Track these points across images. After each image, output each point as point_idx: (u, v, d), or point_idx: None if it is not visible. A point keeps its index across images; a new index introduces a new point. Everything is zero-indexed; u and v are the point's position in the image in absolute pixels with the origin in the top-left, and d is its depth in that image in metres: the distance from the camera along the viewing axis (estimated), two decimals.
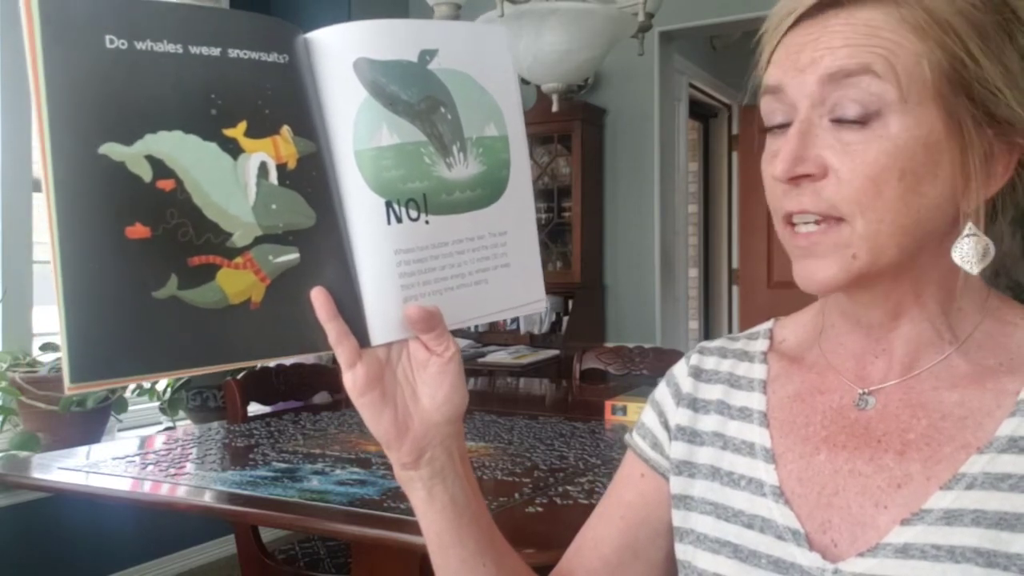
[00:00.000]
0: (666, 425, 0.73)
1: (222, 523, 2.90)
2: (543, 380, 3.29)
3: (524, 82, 2.48)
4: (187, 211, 0.52)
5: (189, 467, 1.65)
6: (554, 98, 2.37)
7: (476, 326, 3.53)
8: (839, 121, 0.55)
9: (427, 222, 0.60)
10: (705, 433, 0.70)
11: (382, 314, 0.59)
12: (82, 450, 1.85)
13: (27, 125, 2.82)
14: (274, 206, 0.55)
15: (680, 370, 0.75)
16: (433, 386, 0.61)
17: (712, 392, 0.71)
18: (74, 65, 0.49)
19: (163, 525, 3.00)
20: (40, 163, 0.49)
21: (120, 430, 2.94)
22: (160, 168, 0.51)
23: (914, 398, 0.61)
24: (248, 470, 1.59)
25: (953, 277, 0.59)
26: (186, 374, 0.58)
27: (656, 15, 2.28)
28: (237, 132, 0.54)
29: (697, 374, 0.73)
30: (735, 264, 5.35)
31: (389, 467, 1.69)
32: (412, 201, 0.59)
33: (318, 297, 0.57)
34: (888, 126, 0.54)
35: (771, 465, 0.64)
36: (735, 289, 5.35)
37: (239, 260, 0.54)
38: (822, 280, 0.58)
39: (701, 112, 5.21)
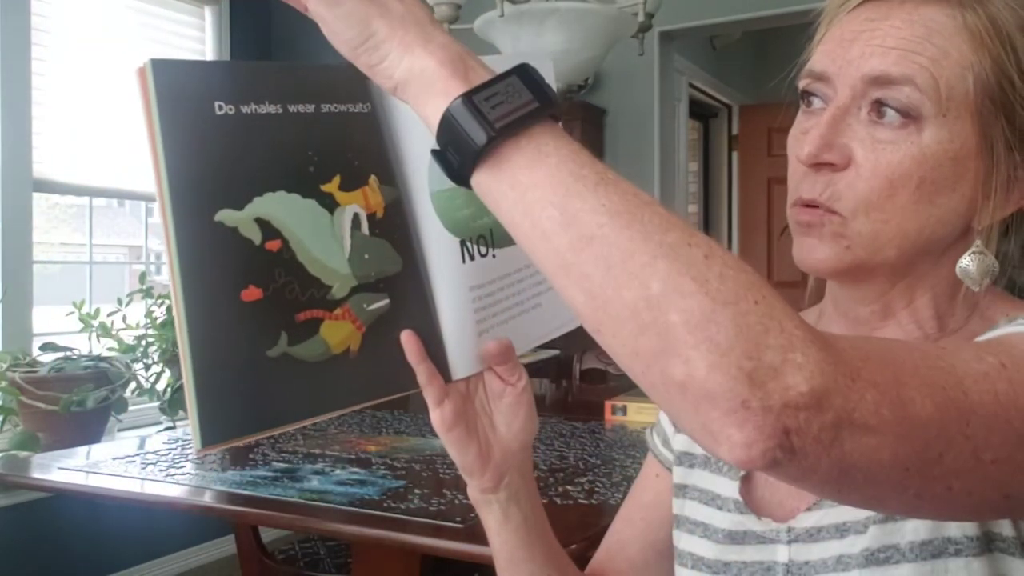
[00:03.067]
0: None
1: (222, 523, 2.90)
2: (543, 380, 3.29)
3: None
4: (293, 269, 0.54)
5: (189, 467, 1.65)
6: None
7: None
8: (878, 115, 0.55)
9: (494, 256, 0.62)
10: None
11: (461, 349, 0.60)
12: (82, 450, 1.85)
13: (27, 125, 2.82)
14: (367, 256, 0.57)
15: None
16: (509, 415, 0.64)
17: None
18: (189, 134, 0.50)
19: (163, 525, 3.00)
20: (163, 233, 0.50)
21: (120, 430, 2.94)
22: (268, 229, 0.52)
23: None
24: (248, 470, 1.59)
25: (950, 286, 0.58)
26: (298, 426, 0.60)
27: (656, 15, 2.28)
28: (332, 187, 0.55)
29: None
30: None
31: (389, 467, 1.69)
32: (482, 237, 0.61)
33: (408, 341, 0.58)
34: (921, 133, 0.54)
35: None
36: None
37: (338, 311, 0.56)
38: (815, 260, 0.58)
39: (701, 112, 5.20)
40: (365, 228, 0.56)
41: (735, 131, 5.30)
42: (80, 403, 2.57)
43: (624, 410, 2.10)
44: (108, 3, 3.16)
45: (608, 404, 2.12)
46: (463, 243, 0.60)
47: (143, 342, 2.92)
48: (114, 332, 2.88)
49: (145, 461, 1.69)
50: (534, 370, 3.45)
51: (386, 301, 0.58)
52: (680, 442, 0.74)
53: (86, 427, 2.66)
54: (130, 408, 2.83)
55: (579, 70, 2.28)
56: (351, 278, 0.56)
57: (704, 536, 0.66)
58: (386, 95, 0.58)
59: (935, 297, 0.59)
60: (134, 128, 3.24)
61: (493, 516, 0.67)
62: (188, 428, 2.22)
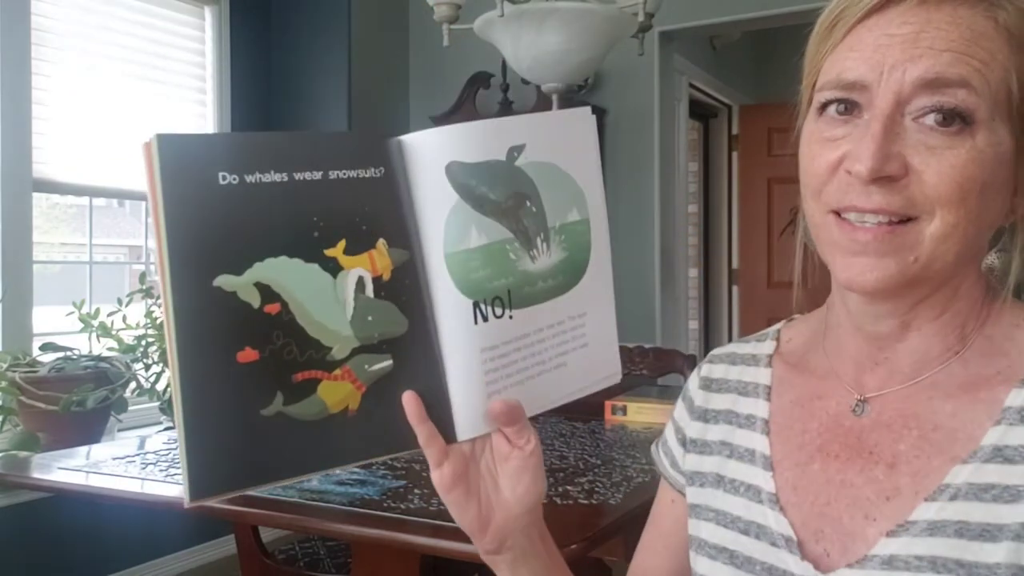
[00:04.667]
0: (683, 442, 0.74)
1: (222, 523, 2.90)
2: None
3: (524, 82, 2.48)
4: (291, 331, 0.55)
5: None
6: (554, 98, 2.37)
7: None
8: (925, 122, 0.53)
9: (511, 317, 0.61)
10: (713, 443, 0.70)
11: (468, 410, 0.60)
12: (82, 450, 1.85)
13: (27, 125, 2.82)
14: (370, 318, 0.57)
15: (693, 383, 0.76)
16: (514, 479, 0.62)
17: (721, 402, 0.71)
18: (191, 204, 0.52)
19: (163, 525, 3.00)
20: (161, 295, 0.52)
21: (120, 430, 2.94)
22: (267, 293, 0.54)
23: (908, 408, 0.60)
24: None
25: (976, 290, 0.58)
26: (292, 482, 0.61)
27: (656, 15, 2.28)
28: (337, 251, 0.56)
29: (707, 385, 0.73)
30: (735, 264, 5.35)
31: (389, 467, 1.69)
32: (498, 299, 0.60)
33: (409, 401, 0.58)
34: (975, 137, 0.52)
35: (769, 472, 0.64)
36: (735, 289, 5.35)
37: (338, 372, 0.56)
38: (875, 280, 0.55)
39: (701, 112, 5.20)
40: (370, 291, 0.57)
41: (735, 131, 5.30)
42: (80, 403, 2.57)
43: (624, 410, 2.09)
44: (108, 3, 3.16)
45: (608, 404, 2.12)
46: (476, 304, 0.59)
47: (143, 342, 2.92)
48: (114, 332, 2.88)
49: (145, 461, 1.69)
50: None
51: (389, 362, 0.58)
52: (690, 462, 0.72)
53: (86, 427, 2.65)
54: (130, 408, 2.83)
55: (579, 70, 2.28)
56: (353, 340, 0.57)
57: (730, 563, 0.64)
58: (404, 158, 0.58)
59: (970, 303, 0.59)
60: (133, 128, 3.23)
61: (501, 572, 0.67)
62: None
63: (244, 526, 1.92)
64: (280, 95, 3.82)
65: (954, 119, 0.52)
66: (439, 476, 0.60)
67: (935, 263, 0.55)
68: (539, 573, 0.66)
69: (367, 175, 0.57)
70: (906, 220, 0.54)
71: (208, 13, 3.58)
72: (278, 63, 3.83)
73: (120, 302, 2.94)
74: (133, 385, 2.84)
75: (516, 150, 0.62)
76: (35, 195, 2.89)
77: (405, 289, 0.58)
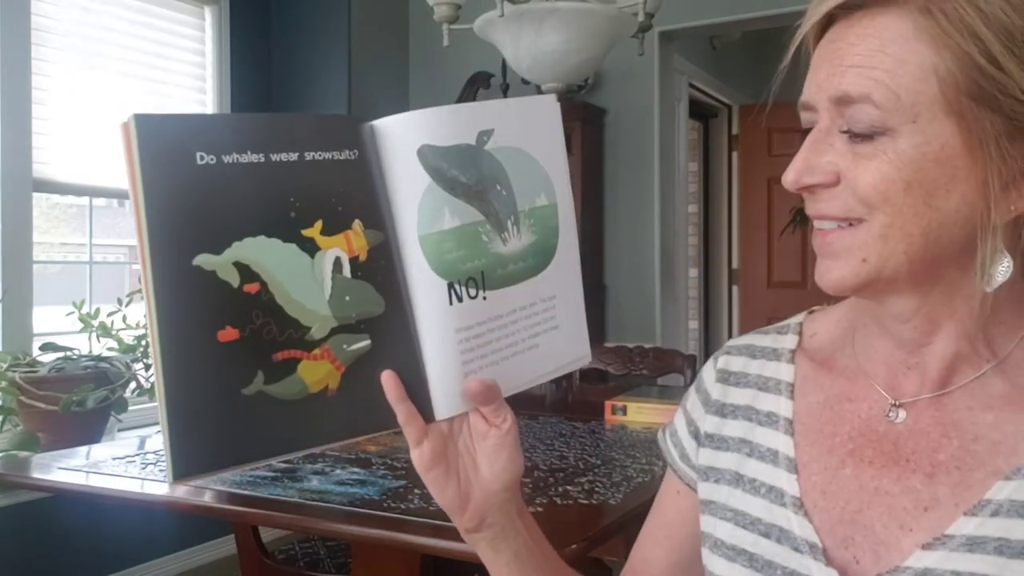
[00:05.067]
0: (696, 435, 0.73)
1: (222, 523, 2.90)
2: None
3: (524, 82, 2.48)
4: (271, 311, 0.56)
5: None
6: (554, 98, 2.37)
7: None
8: (851, 134, 0.55)
9: (485, 298, 0.62)
10: (731, 439, 0.69)
11: (445, 390, 0.61)
12: (82, 450, 1.85)
13: (27, 125, 2.82)
14: (348, 298, 0.58)
15: (708, 375, 0.74)
16: (492, 456, 0.63)
17: (740, 397, 0.70)
18: (169, 183, 0.52)
19: (163, 525, 3.00)
20: (141, 275, 0.53)
21: (120, 430, 2.94)
22: (246, 272, 0.55)
23: (946, 416, 0.59)
24: (248, 470, 1.59)
25: (987, 294, 0.56)
26: (274, 460, 0.62)
27: (656, 15, 2.28)
28: (314, 231, 0.57)
29: (725, 378, 0.72)
30: (735, 264, 5.35)
31: (389, 467, 1.69)
32: (471, 280, 0.61)
33: (388, 381, 0.59)
34: (896, 141, 0.53)
35: (793, 475, 0.63)
36: (735, 289, 5.35)
37: (317, 351, 0.57)
38: (832, 280, 0.57)
39: (701, 112, 5.20)
40: (347, 271, 0.58)
41: (735, 131, 5.30)
42: (80, 403, 2.57)
43: (624, 410, 2.10)
44: (108, 3, 3.16)
45: (608, 404, 2.12)
46: (451, 285, 0.60)
47: (143, 342, 2.92)
48: (114, 332, 2.88)
49: (145, 461, 1.69)
50: None
51: (367, 342, 0.59)
52: (705, 457, 0.71)
53: (86, 427, 2.65)
54: (130, 408, 2.83)
55: (579, 70, 2.28)
56: (331, 319, 0.58)
57: (750, 566, 0.63)
58: (377, 141, 0.60)
59: (978, 305, 0.57)
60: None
61: (482, 552, 0.68)
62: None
63: (244, 526, 1.92)
64: (280, 95, 3.82)
65: (862, 133, 0.54)
66: (419, 455, 0.61)
67: (887, 263, 0.55)
68: (520, 551, 0.67)
69: (342, 157, 0.58)
70: (857, 222, 0.56)
71: (208, 13, 3.58)
72: (278, 63, 3.83)
73: (120, 302, 2.94)
74: (133, 385, 2.84)
75: (485, 135, 0.63)
76: (35, 195, 2.89)
77: (381, 270, 0.59)
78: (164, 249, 0.52)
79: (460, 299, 0.61)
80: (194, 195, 0.53)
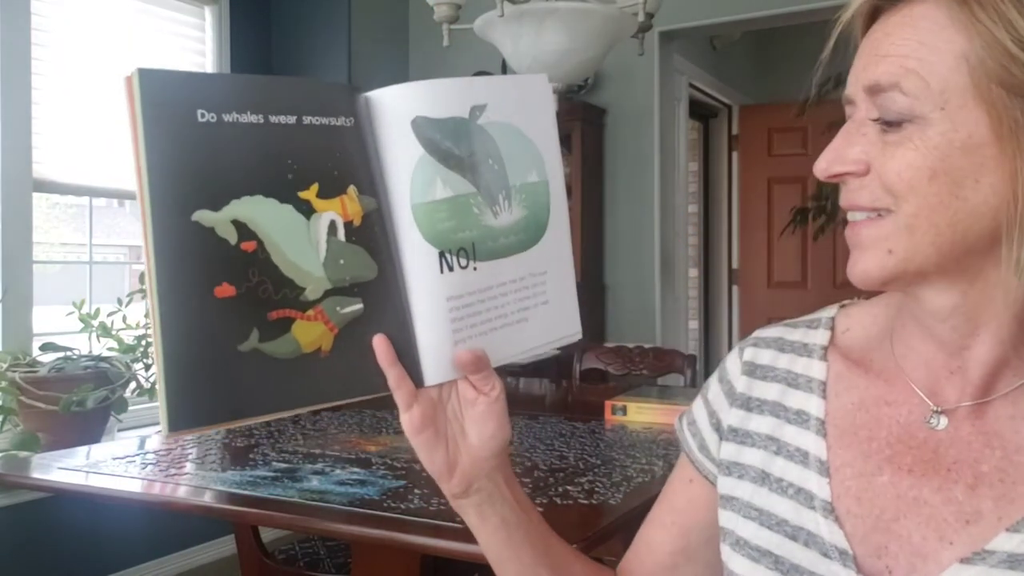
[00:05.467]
0: (718, 427, 0.71)
1: (222, 523, 2.90)
2: (543, 380, 3.29)
3: None
4: (267, 270, 0.57)
5: (189, 467, 1.65)
6: (554, 98, 2.37)
7: None
8: (882, 122, 0.55)
9: (475, 268, 0.63)
10: (757, 435, 0.67)
11: (435, 357, 0.62)
12: (82, 450, 1.85)
13: (27, 125, 2.82)
14: (342, 261, 0.59)
15: (733, 366, 0.72)
16: (480, 423, 0.64)
17: (768, 391, 0.68)
18: (171, 138, 0.53)
19: (163, 525, 3.00)
20: (142, 230, 0.53)
21: (120, 430, 2.94)
22: (244, 231, 0.56)
23: (989, 426, 0.58)
24: (248, 470, 1.59)
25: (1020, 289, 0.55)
26: (267, 419, 0.63)
27: (656, 15, 2.28)
28: (310, 194, 0.58)
29: (752, 371, 0.70)
30: (735, 264, 5.35)
31: (389, 467, 1.69)
32: (462, 250, 0.63)
33: (379, 345, 0.60)
34: (925, 129, 0.53)
35: (824, 479, 0.62)
36: (735, 289, 5.35)
37: (311, 312, 0.58)
38: (859, 272, 0.58)
39: (701, 112, 5.20)
40: (341, 235, 0.59)
41: (735, 131, 5.30)
42: (80, 403, 2.57)
43: (624, 410, 2.10)
44: (108, 3, 3.16)
45: (608, 404, 2.12)
46: (442, 254, 0.62)
47: (143, 342, 2.92)
48: (114, 332, 2.88)
49: (145, 461, 1.69)
50: (534, 370, 3.45)
51: (360, 305, 0.60)
52: (728, 451, 0.69)
53: (86, 427, 2.65)
54: (130, 408, 2.83)
55: (579, 70, 2.28)
56: (325, 281, 0.59)
57: (775, 568, 0.62)
58: (371, 111, 0.61)
59: (1019, 310, 0.56)
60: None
61: (470, 519, 0.68)
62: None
63: (244, 526, 1.92)
64: None
65: (892, 120, 0.55)
66: (409, 419, 0.62)
67: (915, 255, 0.55)
68: (507, 517, 0.68)
69: (338, 123, 0.59)
70: (886, 212, 0.56)
71: (208, 13, 3.58)
72: (278, 64, 3.83)
73: (120, 302, 2.95)
74: (133, 385, 2.84)
75: (478, 109, 0.64)
76: (35, 195, 2.89)
77: (374, 236, 0.60)
78: (164, 203, 0.53)
79: (451, 268, 0.62)
80: (194, 151, 0.54)
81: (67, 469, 1.64)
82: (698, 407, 0.74)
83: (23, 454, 2.35)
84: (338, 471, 1.58)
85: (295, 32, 3.82)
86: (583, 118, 3.76)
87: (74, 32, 3.04)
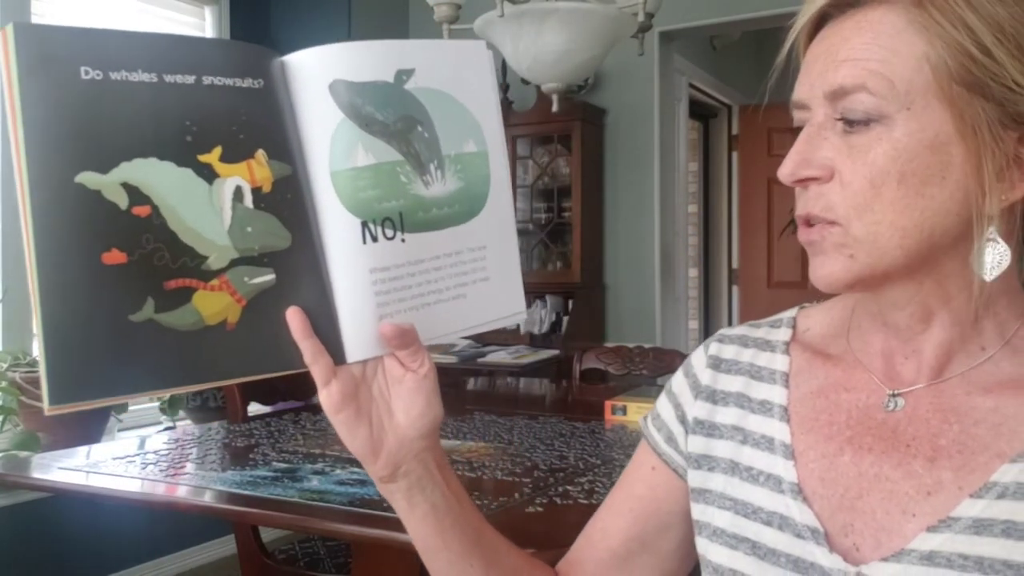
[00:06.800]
0: (683, 419, 0.72)
1: (222, 523, 2.90)
2: (543, 380, 3.29)
3: (524, 82, 2.49)
4: (163, 236, 0.53)
5: (189, 467, 1.65)
6: (554, 98, 2.37)
7: None
8: (847, 124, 0.55)
9: (403, 240, 0.60)
10: (724, 426, 0.69)
11: (357, 332, 0.59)
12: (82, 450, 1.85)
13: None
14: (249, 229, 0.56)
15: (698, 360, 0.73)
16: (408, 401, 0.62)
17: (732, 384, 0.70)
18: (50, 96, 0.50)
19: (163, 525, 3.00)
20: (18, 192, 0.50)
21: (120, 430, 2.94)
22: (136, 195, 0.52)
23: (945, 402, 0.59)
24: (248, 470, 1.59)
25: (984, 282, 0.56)
26: (164, 394, 0.62)
27: (656, 15, 2.28)
28: (212, 157, 0.55)
29: (716, 364, 0.72)
30: (735, 264, 5.35)
31: None
32: (388, 220, 0.60)
33: (293, 316, 0.57)
34: (892, 129, 0.54)
35: (790, 462, 0.63)
36: (735, 289, 5.35)
37: (215, 282, 0.55)
38: (824, 276, 0.58)
39: (701, 112, 5.21)
40: (249, 201, 0.56)
41: (735, 131, 5.30)
42: None
43: (624, 410, 2.10)
44: (108, 3, 3.16)
45: (608, 404, 2.12)
46: (364, 224, 0.59)
47: None
48: None
49: (145, 461, 1.69)
50: (534, 370, 3.46)
51: (271, 276, 0.57)
52: (696, 444, 0.70)
53: (86, 427, 2.66)
54: (130, 408, 2.83)
55: (579, 70, 2.28)
56: (231, 250, 0.56)
57: (752, 554, 0.63)
58: (288, 72, 0.58)
59: (975, 297, 0.57)
60: None
61: (398, 505, 0.66)
62: (187, 428, 2.22)
63: (244, 526, 1.92)
64: None
65: (858, 121, 0.55)
66: (326, 395, 0.60)
67: (882, 260, 0.56)
68: (438, 504, 0.65)
69: (244, 85, 0.56)
70: (832, 223, 0.57)
71: (208, 13, 3.58)
72: None
73: None
74: None
75: (405, 74, 0.61)
76: None
77: (287, 203, 0.57)
78: (43, 164, 0.50)
79: (375, 239, 0.59)
80: (77, 110, 0.51)
81: (67, 469, 1.64)
82: (662, 403, 0.75)
83: (23, 454, 2.35)
84: (338, 471, 1.58)
85: (295, 33, 3.82)
86: (583, 118, 3.76)
87: None
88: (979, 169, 0.53)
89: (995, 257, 0.55)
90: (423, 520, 0.66)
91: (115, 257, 0.52)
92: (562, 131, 3.81)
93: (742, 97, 5.25)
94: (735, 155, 5.32)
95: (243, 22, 3.67)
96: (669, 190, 3.99)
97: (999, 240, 0.54)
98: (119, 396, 0.53)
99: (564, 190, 3.89)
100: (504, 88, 3.85)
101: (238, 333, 0.56)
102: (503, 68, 3.64)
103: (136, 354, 0.53)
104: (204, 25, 3.57)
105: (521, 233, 4.02)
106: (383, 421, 0.62)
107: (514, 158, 3.91)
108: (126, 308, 0.52)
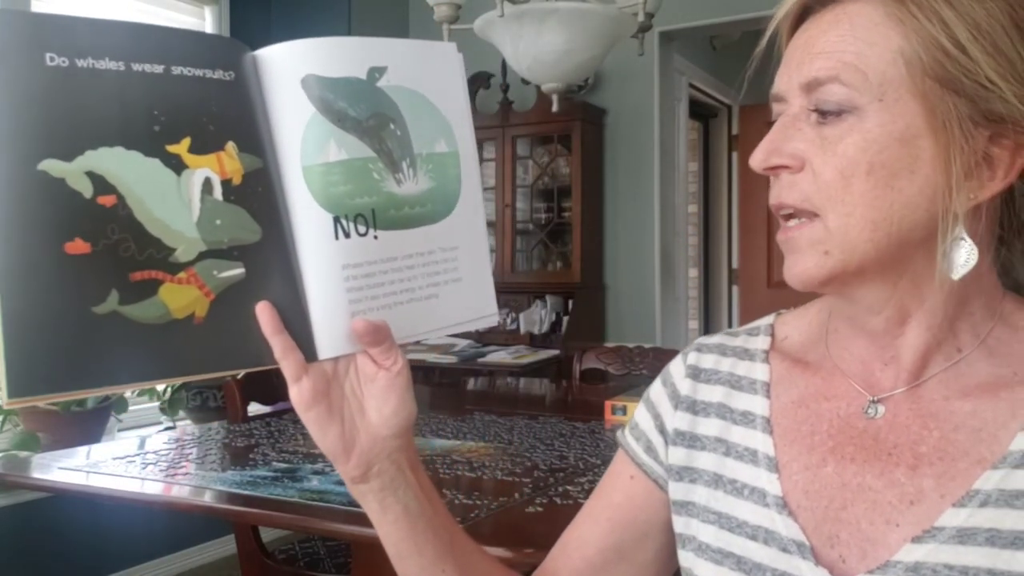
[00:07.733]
0: (662, 429, 0.71)
1: (222, 523, 2.90)
2: (543, 380, 3.29)
3: (524, 82, 2.49)
4: (129, 226, 0.52)
5: (189, 467, 1.65)
6: (554, 98, 2.37)
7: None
8: (821, 116, 0.56)
9: (376, 237, 0.60)
10: (706, 438, 0.68)
11: (329, 328, 0.59)
12: (82, 450, 1.85)
13: None
14: (219, 221, 0.55)
15: (677, 370, 0.72)
16: (380, 400, 0.61)
17: (712, 394, 0.69)
18: (13, 82, 0.50)
19: (163, 525, 3.00)
20: None
21: (120, 430, 2.94)
22: (101, 184, 0.52)
23: (924, 408, 0.59)
24: (248, 470, 1.59)
25: (958, 285, 0.56)
26: (128, 389, 0.58)
27: (656, 15, 2.28)
28: (180, 148, 0.54)
29: (696, 374, 0.71)
30: (735, 264, 5.35)
31: None
32: (360, 216, 0.59)
33: (263, 312, 0.57)
34: (863, 120, 0.54)
35: (774, 474, 0.63)
36: (735, 289, 5.35)
37: (182, 275, 0.54)
38: (799, 274, 0.58)
39: (701, 112, 5.20)
40: (218, 193, 0.55)
41: (735, 131, 5.30)
42: (80, 403, 2.57)
43: (624, 410, 2.10)
44: (108, 4, 3.16)
45: (608, 404, 2.12)
46: (337, 219, 0.58)
47: None
48: None
49: (145, 461, 1.69)
50: (534, 370, 3.46)
51: (240, 270, 0.56)
52: (677, 456, 0.69)
53: (86, 427, 2.66)
54: (130, 408, 2.83)
55: (579, 70, 2.28)
56: (199, 242, 0.55)
57: (738, 568, 0.62)
58: (260, 66, 0.58)
59: (946, 295, 0.57)
60: None
61: (369, 507, 0.64)
62: (187, 428, 2.22)
63: (244, 526, 1.92)
64: None
65: (831, 112, 0.55)
66: (297, 392, 0.59)
67: (853, 253, 0.56)
68: (410, 506, 0.64)
69: (215, 76, 0.56)
70: (813, 215, 0.56)
71: (208, 13, 3.58)
72: None
73: None
74: None
75: (377, 71, 0.61)
76: None
77: (258, 197, 0.57)
78: (5, 150, 0.49)
79: (347, 235, 0.58)
80: (41, 98, 0.50)
81: (67, 469, 1.64)
82: (641, 413, 0.74)
83: (23, 454, 2.35)
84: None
85: (295, 33, 3.81)
86: (583, 118, 3.76)
87: None
88: (948, 164, 0.53)
89: (962, 256, 0.54)
90: (395, 524, 0.65)
91: (78, 247, 0.51)
92: (562, 131, 3.81)
93: (742, 97, 5.26)
94: (735, 155, 5.32)
95: (243, 22, 3.67)
96: (669, 190, 3.99)
97: (966, 238, 0.54)
98: (82, 390, 0.52)
99: (564, 190, 3.89)
100: (504, 88, 3.85)
101: (206, 327, 0.55)
102: (503, 68, 3.64)
103: (100, 347, 0.52)
104: (204, 25, 3.57)
105: (521, 233, 4.02)
106: (355, 419, 0.61)
107: (514, 158, 3.91)
108: (89, 299, 0.51)
